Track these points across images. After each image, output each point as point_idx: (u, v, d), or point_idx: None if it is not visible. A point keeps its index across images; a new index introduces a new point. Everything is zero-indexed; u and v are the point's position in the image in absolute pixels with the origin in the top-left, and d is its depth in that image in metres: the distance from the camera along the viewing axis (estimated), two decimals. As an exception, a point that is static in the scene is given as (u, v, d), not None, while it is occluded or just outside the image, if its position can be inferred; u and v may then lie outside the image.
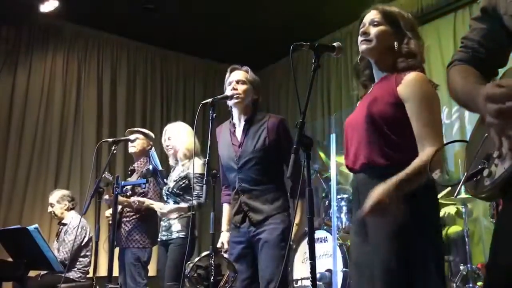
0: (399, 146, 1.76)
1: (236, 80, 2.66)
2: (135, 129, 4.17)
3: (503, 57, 1.37)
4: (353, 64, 2.07)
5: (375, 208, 1.60)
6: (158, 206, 3.55)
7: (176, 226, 3.40)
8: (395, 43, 1.86)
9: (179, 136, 3.61)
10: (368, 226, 1.78)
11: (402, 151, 1.73)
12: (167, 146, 3.65)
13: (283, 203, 2.61)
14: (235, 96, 2.63)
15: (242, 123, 2.69)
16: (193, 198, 3.33)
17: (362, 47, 1.89)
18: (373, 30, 1.87)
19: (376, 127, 1.77)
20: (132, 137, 3.77)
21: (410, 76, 1.78)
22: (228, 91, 2.65)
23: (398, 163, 1.71)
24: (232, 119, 2.74)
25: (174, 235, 3.38)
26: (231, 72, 2.72)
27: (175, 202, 3.49)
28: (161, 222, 3.56)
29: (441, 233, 1.80)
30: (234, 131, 2.71)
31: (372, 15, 1.91)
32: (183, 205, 3.44)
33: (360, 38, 1.90)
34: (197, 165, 3.41)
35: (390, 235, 1.68)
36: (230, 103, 2.69)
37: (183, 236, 3.34)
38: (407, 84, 1.77)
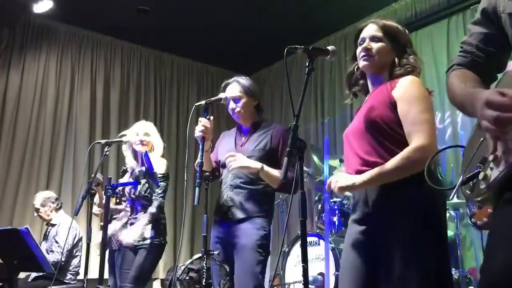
0: (405, 145, 1.75)
1: (232, 98, 2.74)
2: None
3: (502, 62, 1.37)
4: (348, 73, 2.07)
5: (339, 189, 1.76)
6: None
7: (148, 232, 3.32)
8: (395, 59, 1.90)
9: (157, 135, 3.62)
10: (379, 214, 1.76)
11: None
12: (142, 141, 3.51)
13: (268, 208, 2.66)
14: (236, 115, 2.75)
15: (248, 128, 2.80)
16: (153, 198, 3.35)
17: (363, 63, 1.91)
18: (375, 46, 1.90)
19: (380, 130, 1.79)
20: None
21: (404, 79, 1.83)
22: (228, 109, 2.76)
23: None
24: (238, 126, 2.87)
25: (147, 241, 3.30)
26: (224, 88, 2.79)
27: (143, 206, 3.41)
28: None
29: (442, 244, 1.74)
30: (240, 133, 2.81)
31: (372, 30, 1.93)
32: (152, 210, 3.34)
33: (361, 54, 1.91)
34: (161, 165, 3.42)
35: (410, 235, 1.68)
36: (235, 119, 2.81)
37: (157, 242, 3.33)
38: (400, 85, 1.82)
